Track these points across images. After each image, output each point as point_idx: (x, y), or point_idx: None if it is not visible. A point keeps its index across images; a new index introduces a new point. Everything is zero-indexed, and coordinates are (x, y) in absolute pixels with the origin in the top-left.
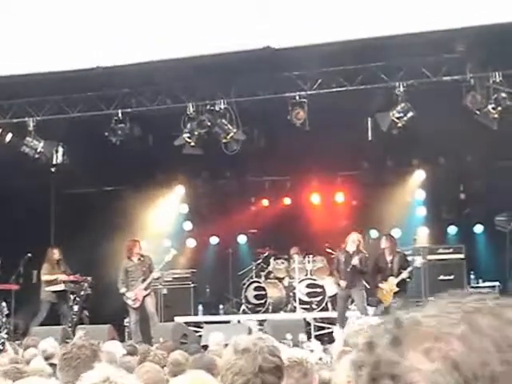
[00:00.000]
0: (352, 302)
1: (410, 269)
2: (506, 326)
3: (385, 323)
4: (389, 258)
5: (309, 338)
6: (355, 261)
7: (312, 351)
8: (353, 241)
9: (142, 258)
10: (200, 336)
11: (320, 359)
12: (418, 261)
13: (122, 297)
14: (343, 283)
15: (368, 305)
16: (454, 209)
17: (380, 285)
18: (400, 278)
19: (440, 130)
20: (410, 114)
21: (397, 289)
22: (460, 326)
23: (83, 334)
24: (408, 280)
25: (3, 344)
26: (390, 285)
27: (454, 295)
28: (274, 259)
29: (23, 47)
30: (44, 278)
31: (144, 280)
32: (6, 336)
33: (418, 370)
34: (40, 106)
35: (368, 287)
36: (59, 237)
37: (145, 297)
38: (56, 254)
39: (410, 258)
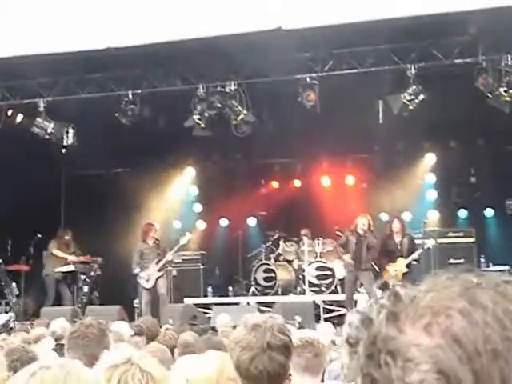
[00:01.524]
0: (361, 285)
1: (420, 251)
2: (508, 302)
3: (381, 299)
4: (398, 239)
5: (318, 320)
6: (372, 240)
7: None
8: (363, 223)
9: (157, 242)
10: (209, 318)
11: (333, 342)
12: (430, 242)
13: (134, 278)
14: (351, 262)
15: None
16: (464, 192)
17: (388, 266)
18: (410, 259)
19: (451, 113)
20: (421, 97)
21: (406, 270)
22: (460, 301)
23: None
24: (417, 262)
25: (10, 323)
26: (399, 266)
27: (452, 271)
28: (284, 241)
29: (33, 28)
30: (55, 252)
31: (158, 262)
32: (14, 316)
33: (418, 346)
34: (51, 87)
35: (376, 269)
36: (69, 218)
37: (158, 278)
38: (67, 234)
39: (420, 241)
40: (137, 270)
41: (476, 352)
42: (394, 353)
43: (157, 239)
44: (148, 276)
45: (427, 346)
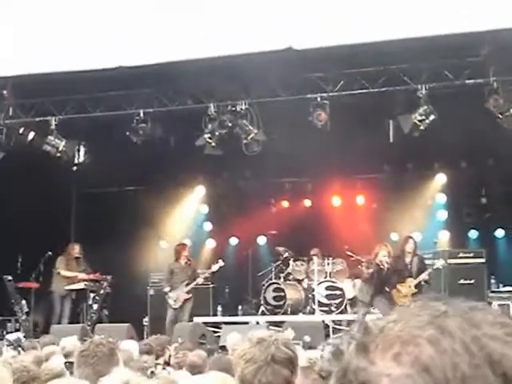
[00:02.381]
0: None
1: (429, 270)
2: (476, 329)
3: (351, 331)
4: (408, 259)
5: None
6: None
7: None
8: (383, 255)
9: (188, 262)
10: (218, 336)
11: None
12: (439, 262)
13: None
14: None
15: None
16: (475, 213)
17: (398, 286)
18: (419, 279)
19: (462, 134)
20: (431, 117)
21: (415, 290)
22: (428, 329)
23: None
24: (426, 283)
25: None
26: (408, 286)
27: (420, 300)
28: (294, 261)
29: (46, 46)
30: (63, 273)
31: (188, 284)
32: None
33: (388, 376)
34: (62, 105)
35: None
36: (80, 236)
37: (185, 300)
38: (76, 250)
39: (429, 262)
40: (167, 289)
41: (445, 380)
42: None
43: (189, 259)
44: (177, 296)
45: (397, 376)
